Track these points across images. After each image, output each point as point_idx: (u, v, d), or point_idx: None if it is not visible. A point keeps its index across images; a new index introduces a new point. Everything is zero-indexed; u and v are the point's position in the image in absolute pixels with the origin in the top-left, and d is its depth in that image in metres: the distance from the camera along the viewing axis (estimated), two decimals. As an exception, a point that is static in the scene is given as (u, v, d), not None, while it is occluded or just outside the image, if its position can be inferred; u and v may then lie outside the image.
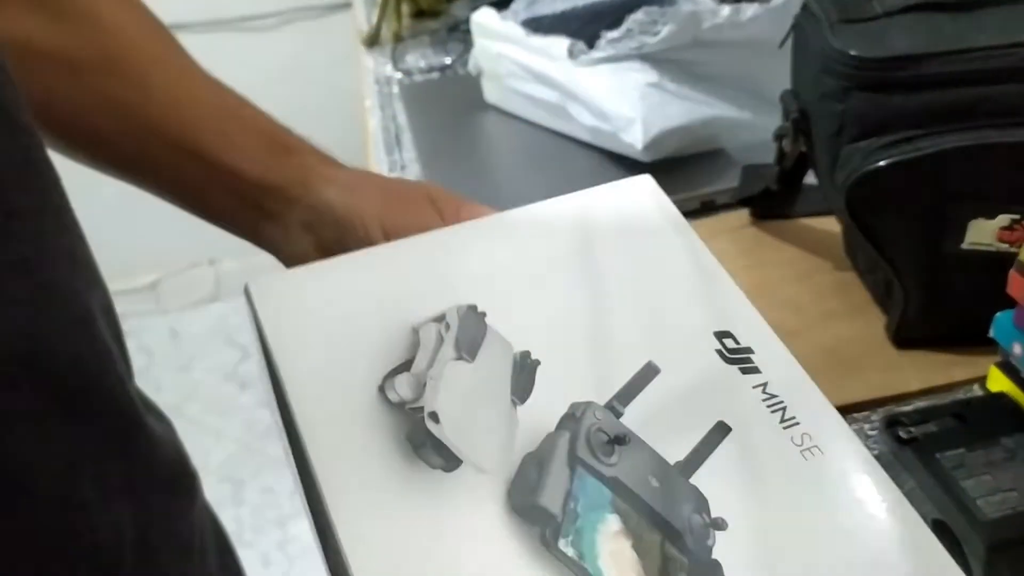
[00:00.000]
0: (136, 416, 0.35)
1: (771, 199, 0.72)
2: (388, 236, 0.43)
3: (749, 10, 0.82)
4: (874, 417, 0.59)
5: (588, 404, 0.35)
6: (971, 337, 0.58)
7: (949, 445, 0.52)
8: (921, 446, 0.52)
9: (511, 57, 0.95)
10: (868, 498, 0.39)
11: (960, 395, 0.60)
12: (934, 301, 0.61)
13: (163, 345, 2.13)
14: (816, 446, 0.38)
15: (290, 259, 0.44)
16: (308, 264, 0.37)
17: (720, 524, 0.36)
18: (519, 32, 0.94)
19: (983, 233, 0.58)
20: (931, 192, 0.58)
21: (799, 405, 0.38)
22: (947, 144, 0.56)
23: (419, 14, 1.55)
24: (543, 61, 0.90)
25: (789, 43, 0.66)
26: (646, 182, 0.43)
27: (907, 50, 0.57)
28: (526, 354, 0.36)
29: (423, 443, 0.33)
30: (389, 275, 0.37)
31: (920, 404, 0.59)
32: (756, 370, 0.38)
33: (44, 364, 0.30)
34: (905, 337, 0.63)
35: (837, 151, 0.60)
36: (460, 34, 1.24)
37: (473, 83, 1.05)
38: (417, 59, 1.24)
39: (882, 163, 0.57)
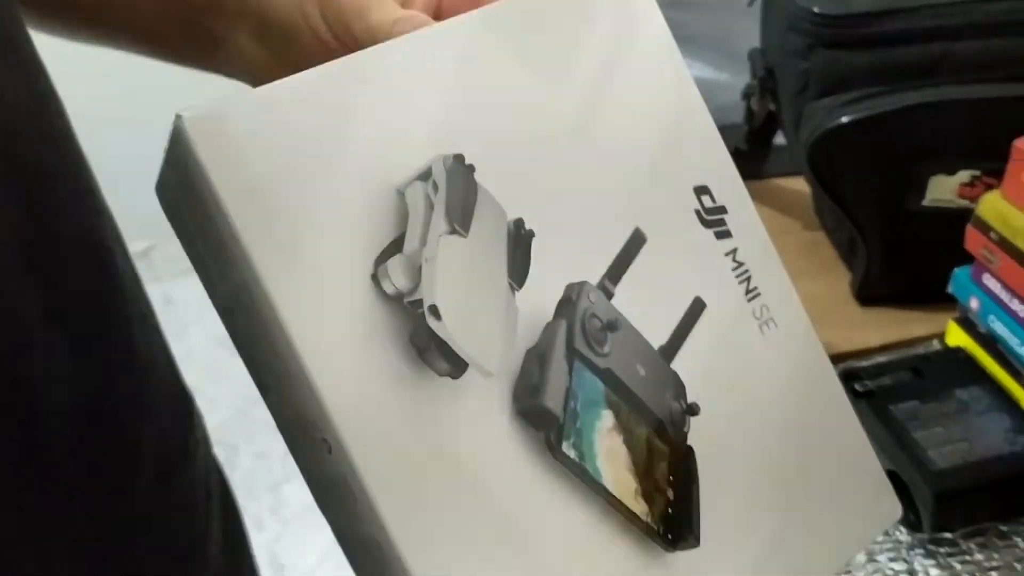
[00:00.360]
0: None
1: (741, 159, 0.72)
2: (335, 32, 0.37)
3: (724, -31, 0.82)
4: (836, 370, 0.60)
5: (582, 286, 0.32)
6: (933, 294, 0.59)
7: (903, 398, 0.53)
8: (876, 399, 0.53)
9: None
10: (809, 372, 0.40)
11: (920, 350, 0.60)
12: (896, 258, 0.62)
13: (157, 312, 2.13)
14: (772, 319, 0.38)
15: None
16: (252, 90, 0.28)
17: (695, 410, 0.35)
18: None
19: (943, 190, 0.58)
20: (892, 149, 0.58)
21: (761, 274, 0.38)
22: (908, 101, 0.56)
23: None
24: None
25: (759, 3, 0.67)
26: None
27: (870, 7, 0.57)
28: (519, 223, 0.31)
29: (427, 346, 0.29)
30: (353, 106, 0.29)
31: (880, 359, 0.60)
32: (728, 234, 0.37)
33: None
34: (868, 295, 0.64)
35: (801, 109, 0.60)
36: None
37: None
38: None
39: (844, 120, 0.57)
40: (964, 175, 0.57)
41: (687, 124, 0.36)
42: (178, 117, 0.26)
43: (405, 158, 0.29)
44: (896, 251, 0.62)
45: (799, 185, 0.72)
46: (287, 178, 0.27)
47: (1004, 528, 0.49)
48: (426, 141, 0.29)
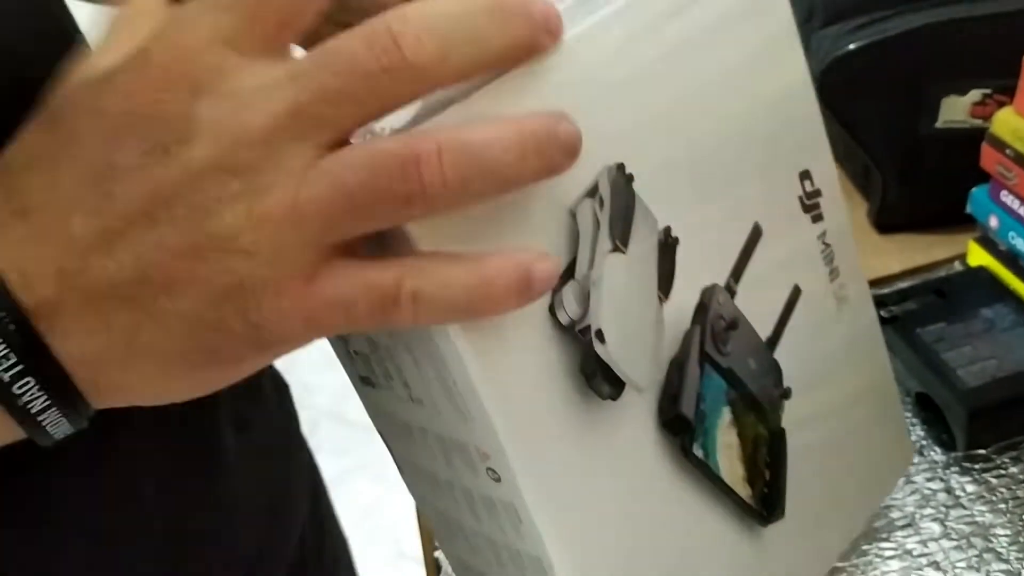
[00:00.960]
0: None
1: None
2: None
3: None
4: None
5: (714, 289, 0.33)
6: (951, 216, 0.59)
7: (929, 320, 0.53)
8: (902, 323, 0.53)
9: None
10: (867, 340, 0.41)
11: (942, 273, 0.61)
12: (912, 183, 0.62)
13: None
14: (846, 296, 0.39)
15: None
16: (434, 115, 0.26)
17: (788, 394, 0.36)
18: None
19: (956, 110, 0.58)
20: (903, 73, 0.58)
21: (841, 252, 0.38)
22: (915, 22, 0.56)
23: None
24: None
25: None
26: None
27: (871, -70, 0.56)
28: (668, 231, 0.31)
29: (594, 373, 0.29)
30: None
31: (903, 285, 0.60)
32: (821, 217, 0.37)
33: None
34: (886, 222, 0.64)
35: (808, 38, 0.59)
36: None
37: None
38: None
39: (852, 46, 0.57)
40: (976, 94, 0.57)
41: (799, 107, 0.35)
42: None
43: (576, 173, 0.27)
44: (911, 176, 0.62)
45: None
46: (466, 210, 0.26)
47: (1037, 440, 0.50)
48: (593, 151, 0.28)
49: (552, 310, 0.28)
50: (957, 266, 0.61)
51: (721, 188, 0.33)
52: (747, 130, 0.33)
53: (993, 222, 0.55)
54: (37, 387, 0.23)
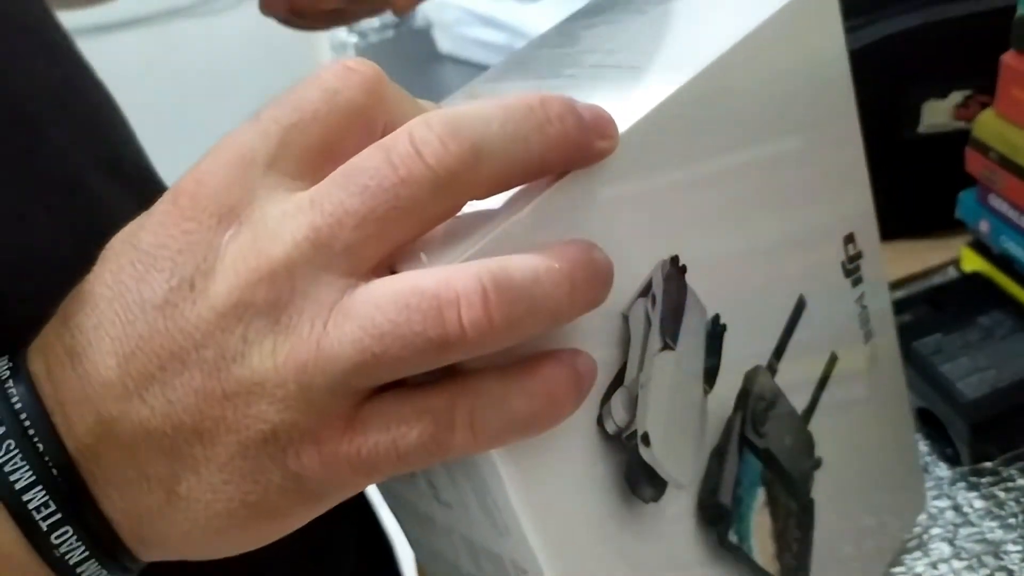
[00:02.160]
0: None
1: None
2: None
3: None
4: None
5: (756, 371, 0.31)
6: (943, 221, 0.58)
7: (925, 332, 0.52)
8: (898, 337, 0.52)
9: (456, 3, 0.93)
10: (892, 395, 0.39)
11: (937, 280, 0.59)
12: (900, 190, 0.60)
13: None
14: (878, 357, 0.38)
15: None
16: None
17: (819, 464, 0.35)
18: (462, -24, 0.92)
19: (938, 114, 0.57)
20: (881, 79, 0.56)
21: (878, 315, 0.37)
22: (890, 29, 0.55)
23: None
24: (487, 3, 0.89)
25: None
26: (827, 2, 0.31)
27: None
28: (716, 319, 0.29)
29: (639, 479, 0.28)
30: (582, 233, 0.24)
31: (897, 294, 0.59)
32: (861, 280, 0.35)
33: None
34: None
35: (782, 53, 0.59)
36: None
37: (427, 36, 1.03)
38: (371, 19, 1.22)
39: (827, 58, 0.56)
40: (957, 96, 0.56)
41: (848, 170, 0.34)
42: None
43: (631, 272, 0.26)
44: (899, 182, 0.60)
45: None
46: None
47: (1044, 450, 0.48)
48: (648, 246, 0.26)
49: (600, 421, 0.26)
50: (952, 272, 0.59)
51: (770, 265, 0.31)
52: (797, 201, 0.31)
53: (984, 226, 0.54)
54: (75, 538, 0.22)
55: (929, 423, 0.50)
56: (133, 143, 0.41)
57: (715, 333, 0.29)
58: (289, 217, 0.22)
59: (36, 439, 0.22)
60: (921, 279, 0.60)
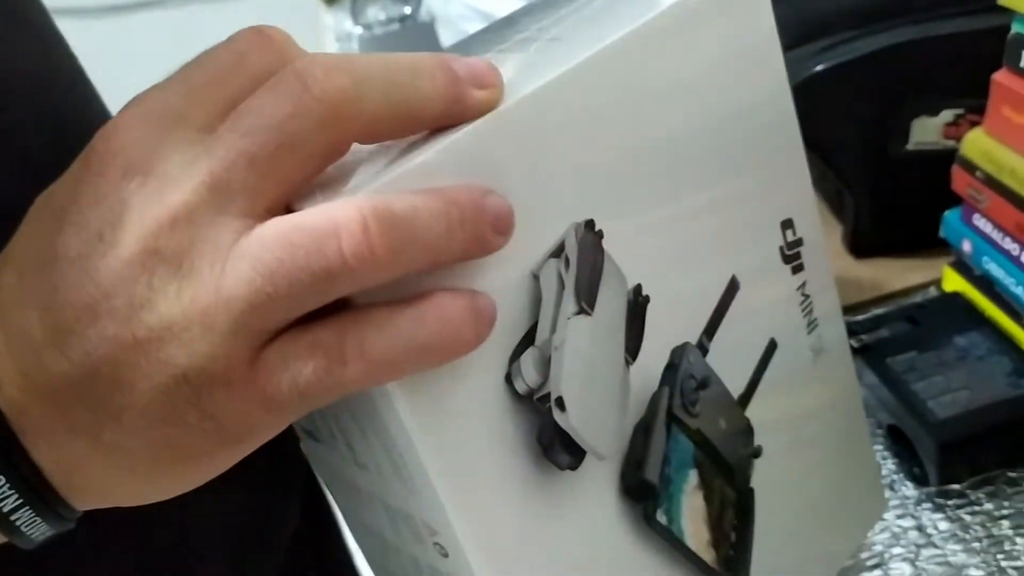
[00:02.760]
0: None
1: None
2: None
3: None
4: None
5: (684, 348, 0.31)
6: (927, 240, 0.57)
7: (900, 349, 0.51)
8: (872, 353, 0.51)
9: (460, 0, 0.93)
10: (843, 391, 0.39)
11: (918, 299, 0.59)
12: (885, 207, 0.60)
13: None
14: (823, 347, 0.37)
15: None
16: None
17: (759, 453, 0.35)
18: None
19: (928, 131, 0.56)
20: (871, 94, 0.56)
21: (820, 302, 0.36)
22: (883, 42, 0.55)
23: (380, -33, 1.53)
24: (491, 0, 0.89)
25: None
26: None
27: (835, -51, 0.55)
28: (638, 289, 0.29)
29: (552, 443, 0.27)
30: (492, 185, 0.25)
31: (876, 312, 0.58)
32: (802, 267, 0.35)
33: None
34: (861, 246, 0.62)
35: (774, 61, 0.58)
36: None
37: (431, 30, 1.03)
38: (377, 12, 1.22)
39: (819, 68, 0.55)
40: (947, 115, 0.55)
41: (783, 154, 0.34)
42: None
43: (541, 232, 0.26)
44: (884, 199, 0.60)
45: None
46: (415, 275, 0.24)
47: (1012, 475, 0.48)
48: (561, 207, 0.26)
49: (509, 379, 0.26)
50: (933, 291, 0.59)
51: (698, 241, 0.31)
52: (728, 180, 0.31)
53: (967, 246, 0.53)
54: (8, 486, 0.23)
55: (899, 441, 0.49)
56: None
57: (637, 304, 0.29)
58: (188, 164, 0.22)
59: None
60: (903, 297, 0.59)
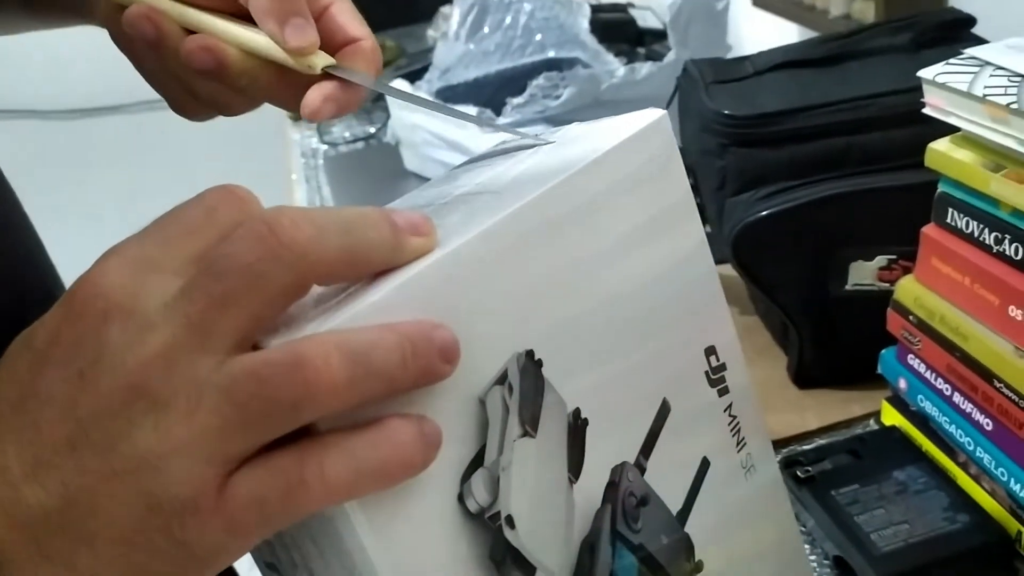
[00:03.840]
0: None
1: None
2: None
3: (643, 69, 0.85)
4: (777, 457, 0.61)
5: (623, 467, 0.33)
6: (867, 374, 0.61)
7: (844, 482, 0.54)
8: (818, 485, 0.54)
9: (425, 127, 0.97)
10: (773, 504, 0.41)
11: (859, 430, 0.62)
12: (827, 341, 0.64)
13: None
14: (753, 465, 0.40)
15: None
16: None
17: (700, 567, 0.36)
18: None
19: (864, 274, 0.60)
20: (811, 238, 0.60)
21: (747, 423, 0.39)
22: (822, 192, 0.59)
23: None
24: (454, 129, 0.93)
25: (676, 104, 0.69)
26: (661, 123, 0.34)
27: (777, 106, 0.60)
28: (576, 413, 0.31)
29: (504, 559, 0.29)
30: (442, 317, 0.27)
31: (820, 442, 0.61)
32: (727, 390, 0.38)
33: None
34: (805, 377, 0.65)
35: (722, 204, 0.62)
36: (384, 103, 1.27)
37: (394, 152, 1.07)
38: (343, 130, 1.26)
39: (762, 214, 0.59)
40: (881, 259, 0.60)
41: (702, 286, 0.37)
42: None
43: (486, 362, 0.28)
44: (826, 334, 0.64)
45: (732, 271, 0.74)
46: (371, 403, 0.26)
47: (951, 606, 0.50)
48: (502, 339, 0.29)
49: (461, 499, 0.28)
50: (872, 423, 0.62)
51: (629, 367, 0.34)
52: (651, 309, 0.34)
53: (903, 384, 0.57)
54: None
55: (845, 571, 0.51)
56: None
57: (577, 426, 0.31)
58: (167, 307, 0.24)
59: None
60: (843, 428, 0.62)
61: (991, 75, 0.47)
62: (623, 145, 0.33)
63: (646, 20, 1.25)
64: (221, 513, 0.24)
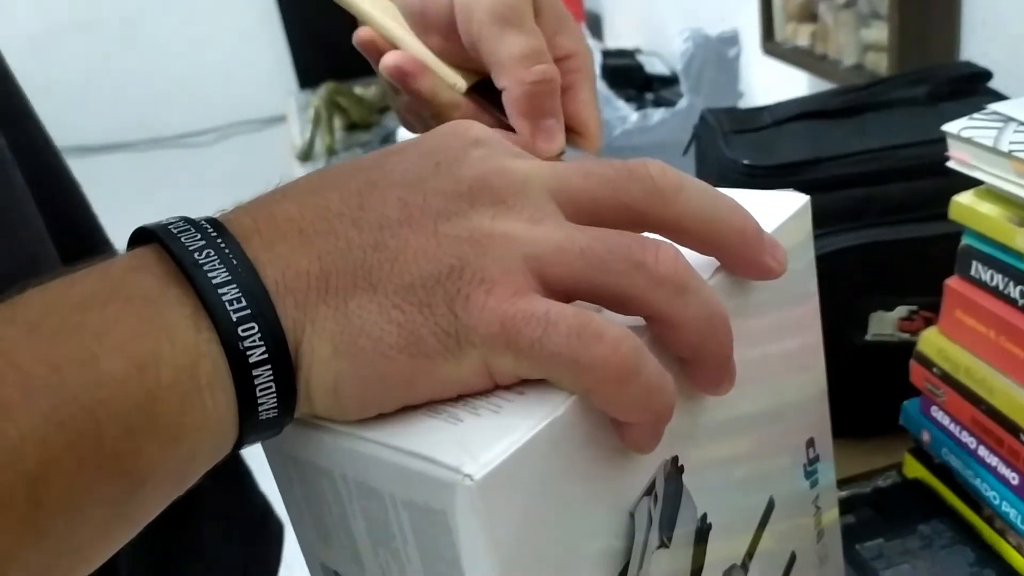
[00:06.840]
0: None
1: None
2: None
3: (656, 115, 0.86)
4: (799, 510, 0.60)
5: (731, 570, 0.32)
6: (888, 425, 0.60)
7: (868, 535, 0.53)
8: (843, 539, 0.53)
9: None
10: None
11: (880, 482, 0.61)
12: (847, 392, 0.63)
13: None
14: (827, 555, 0.39)
15: None
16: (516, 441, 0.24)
17: None
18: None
19: (884, 324, 0.60)
20: (831, 289, 0.60)
21: (827, 513, 0.38)
22: (842, 243, 0.59)
23: (351, 127, 1.59)
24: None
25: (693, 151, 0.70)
26: (803, 212, 0.33)
27: (797, 156, 0.60)
28: (704, 517, 0.30)
29: None
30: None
31: (841, 494, 0.60)
32: (818, 482, 0.37)
33: None
34: (824, 427, 0.65)
35: (741, 254, 0.62)
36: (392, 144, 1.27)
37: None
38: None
39: (783, 264, 0.59)
40: (902, 310, 0.60)
41: (815, 379, 0.36)
42: (464, 476, 0.23)
43: (638, 472, 0.27)
44: (847, 385, 0.63)
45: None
46: (532, 533, 0.24)
47: (981, 666, 0.49)
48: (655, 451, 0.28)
49: None
50: (894, 475, 0.61)
51: (749, 468, 0.33)
52: (770, 404, 0.33)
53: (926, 436, 0.56)
54: (259, 336, 0.23)
55: (871, 629, 0.51)
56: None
57: (702, 531, 0.30)
58: (534, 161, 0.27)
59: (237, 266, 0.24)
60: (864, 480, 0.61)
61: (1015, 131, 0.47)
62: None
63: (654, 66, 1.26)
64: (507, 307, 0.24)
